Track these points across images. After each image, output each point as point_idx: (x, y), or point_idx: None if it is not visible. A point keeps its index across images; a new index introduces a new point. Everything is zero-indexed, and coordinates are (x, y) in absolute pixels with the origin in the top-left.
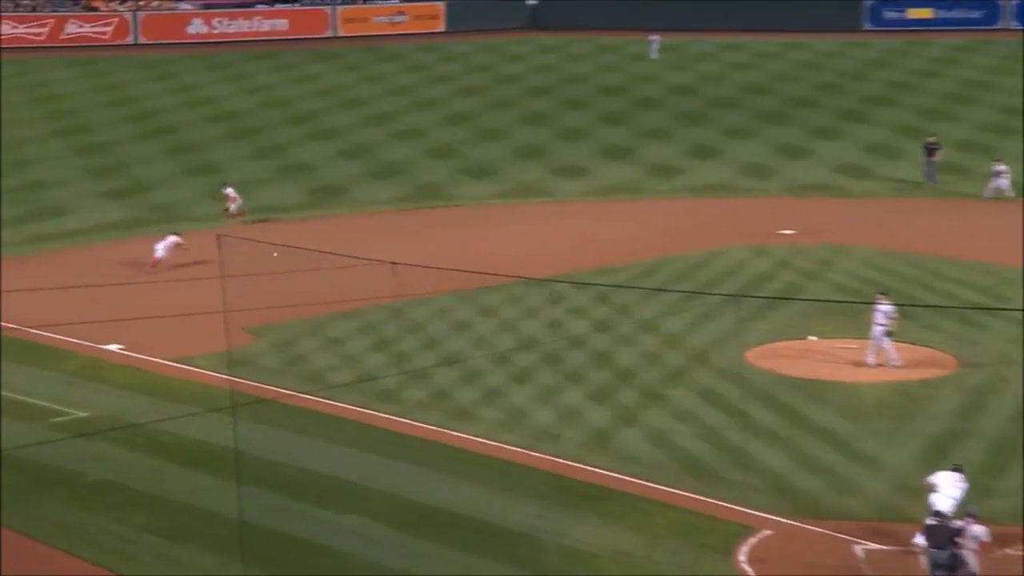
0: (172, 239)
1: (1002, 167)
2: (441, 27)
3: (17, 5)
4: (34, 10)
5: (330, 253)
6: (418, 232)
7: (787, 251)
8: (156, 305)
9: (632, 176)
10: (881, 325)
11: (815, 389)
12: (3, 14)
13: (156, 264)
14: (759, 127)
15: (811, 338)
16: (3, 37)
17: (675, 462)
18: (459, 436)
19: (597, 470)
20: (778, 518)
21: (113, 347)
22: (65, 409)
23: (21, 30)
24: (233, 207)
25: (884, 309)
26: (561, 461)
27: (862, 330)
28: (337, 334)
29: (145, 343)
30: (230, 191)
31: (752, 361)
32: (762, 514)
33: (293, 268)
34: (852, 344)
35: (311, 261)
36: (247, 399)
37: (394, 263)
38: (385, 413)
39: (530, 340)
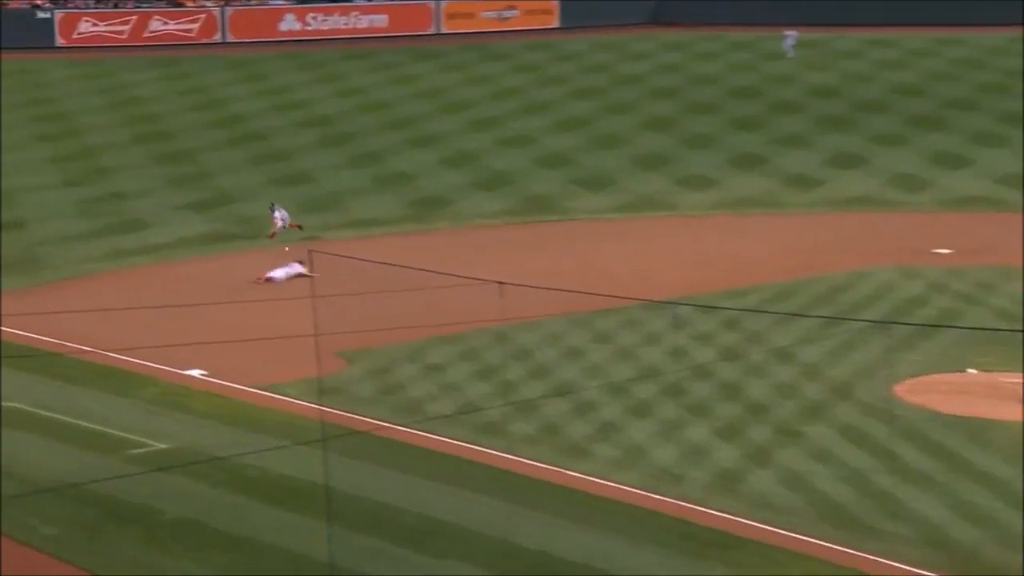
0: (296, 268)
1: None
2: (555, 23)
3: (97, 1)
4: (115, 6)
5: (431, 271)
6: (527, 249)
7: (942, 272)
8: (241, 327)
9: (766, 188)
10: None
11: (975, 428)
12: (83, 11)
13: (264, 282)
14: (911, 133)
15: (970, 371)
16: (82, 36)
17: (813, 508)
18: (571, 475)
19: (725, 515)
20: (932, 574)
21: (195, 373)
22: (144, 440)
23: (101, 28)
24: (278, 227)
25: None
26: (685, 504)
27: None
28: (438, 360)
29: (230, 369)
30: (279, 214)
31: (902, 396)
32: (914, 569)
33: (390, 288)
34: (1017, 378)
35: (410, 280)
36: (339, 431)
37: (501, 283)
38: (489, 448)
39: (650, 369)
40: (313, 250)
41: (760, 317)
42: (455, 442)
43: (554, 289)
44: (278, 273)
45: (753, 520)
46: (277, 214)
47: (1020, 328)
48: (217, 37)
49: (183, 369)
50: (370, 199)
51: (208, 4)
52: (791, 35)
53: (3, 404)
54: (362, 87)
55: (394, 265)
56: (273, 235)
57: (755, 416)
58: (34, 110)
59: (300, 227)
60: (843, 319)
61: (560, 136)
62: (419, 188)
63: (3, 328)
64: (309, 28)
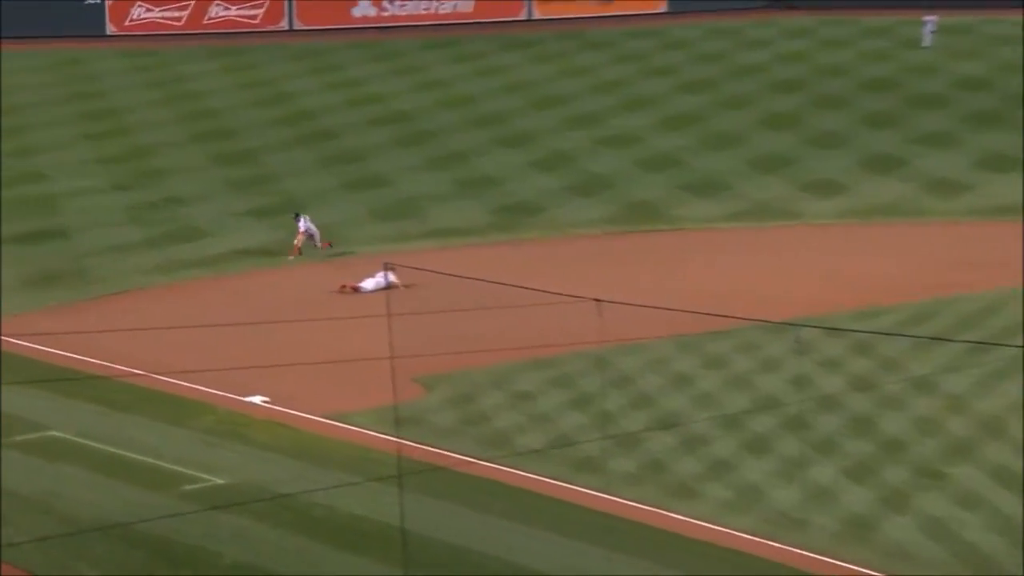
0: (388, 278)
1: None
2: (662, 7)
3: None
4: None
5: (520, 287)
6: (629, 262)
7: None
8: (308, 349)
9: (903, 193)
10: None
11: None
12: None
13: (350, 291)
14: None
15: None
16: (135, 23)
17: (959, 559)
18: (677, 518)
19: (855, 567)
20: None
21: (256, 399)
22: (199, 475)
23: (156, 14)
24: (299, 240)
25: None
26: (809, 554)
27: None
28: (527, 387)
29: (294, 395)
30: (304, 224)
31: None
32: None
33: (474, 305)
34: None
35: (496, 297)
36: (417, 466)
37: (599, 300)
38: (585, 487)
39: (769, 400)
40: (390, 263)
41: (896, 341)
42: (546, 479)
43: (659, 308)
44: (367, 284)
45: (888, 573)
46: (304, 225)
47: None
48: (283, 24)
49: (243, 395)
50: (452, 205)
51: None
52: (931, 20)
53: (45, 433)
54: (444, 79)
55: (479, 280)
56: (296, 251)
57: (890, 455)
58: (81, 105)
59: (331, 244)
60: (993, 344)
61: (667, 135)
62: (507, 193)
63: (45, 348)
64: (385, 14)
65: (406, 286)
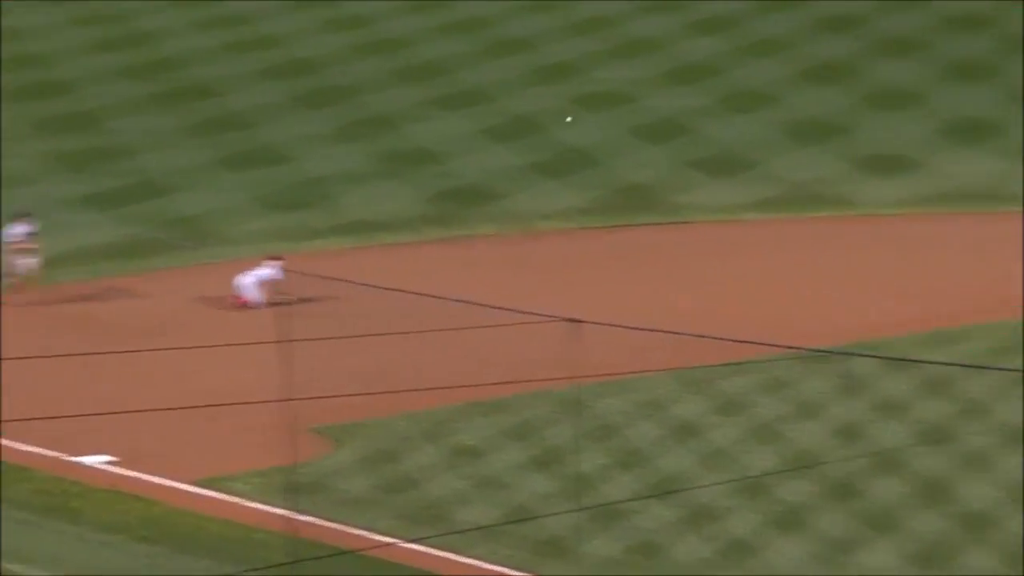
0: (267, 270)
1: None
2: None
3: None
4: None
5: (464, 302)
6: (616, 267)
7: None
8: (168, 388)
9: (997, 172)
10: None
11: None
12: None
13: (244, 306)
14: None
15: None
16: None
17: None
18: None
19: None
20: None
21: (94, 461)
22: (9, 567)
23: None
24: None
25: None
26: None
27: None
28: (472, 440)
29: (149, 453)
30: (17, 230)
31: None
32: None
33: (400, 327)
34: None
35: (432, 315)
36: (318, 550)
37: (573, 320)
38: None
39: (805, 456)
40: (276, 255)
41: (983, 376)
42: (497, 569)
43: (654, 330)
44: (248, 287)
45: None
46: (15, 230)
47: None
48: None
49: (74, 455)
50: (372, 190)
51: None
52: None
53: None
54: (361, 16)
55: (406, 292)
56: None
57: (973, 532)
58: None
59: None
60: None
61: (670, 91)
62: (448, 174)
63: None
64: None
65: (307, 300)
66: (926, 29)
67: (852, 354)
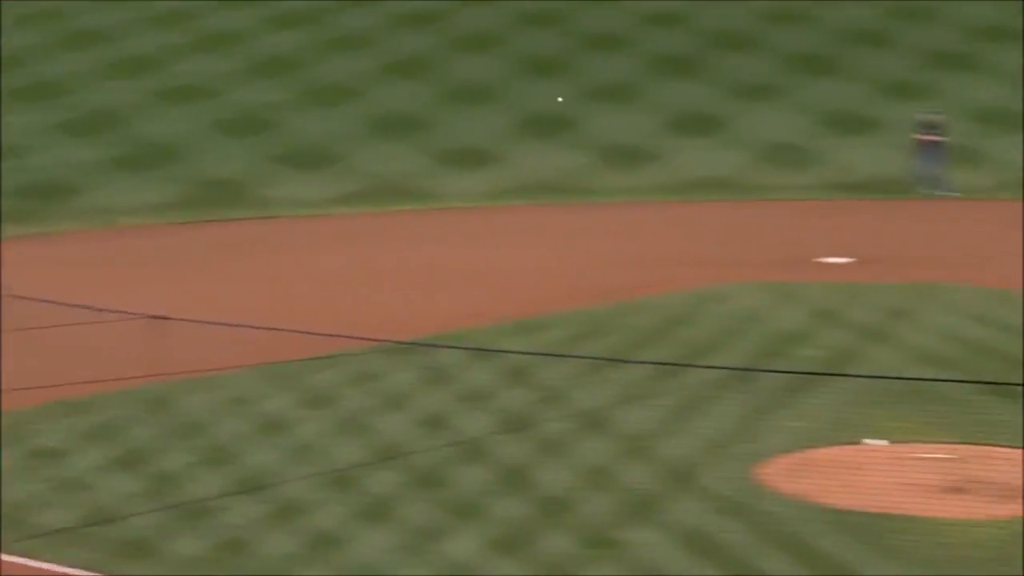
0: None
1: None
2: None
3: None
4: None
5: (29, 300)
6: (200, 263)
7: (835, 293)
8: None
9: (573, 165)
10: None
11: (878, 528)
12: None
13: None
14: (791, 81)
15: (871, 442)
16: None
17: None
18: None
19: None
20: None
21: None
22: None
23: None
24: None
25: None
26: None
27: (964, 427)
28: (50, 441)
29: None
30: None
31: (771, 482)
32: None
33: None
34: (943, 451)
35: (9, 316)
36: None
37: (157, 317)
38: None
39: (391, 449)
40: None
41: (560, 364)
42: (79, 572)
43: (241, 325)
44: None
45: None
46: None
47: (951, 378)
48: None
49: None
50: None
51: None
52: None
53: None
54: None
55: None
56: None
57: (550, 517)
58: None
59: None
60: (683, 365)
61: (253, 85)
62: (27, 168)
63: None
64: None
65: None
66: (503, 26)
67: (436, 346)
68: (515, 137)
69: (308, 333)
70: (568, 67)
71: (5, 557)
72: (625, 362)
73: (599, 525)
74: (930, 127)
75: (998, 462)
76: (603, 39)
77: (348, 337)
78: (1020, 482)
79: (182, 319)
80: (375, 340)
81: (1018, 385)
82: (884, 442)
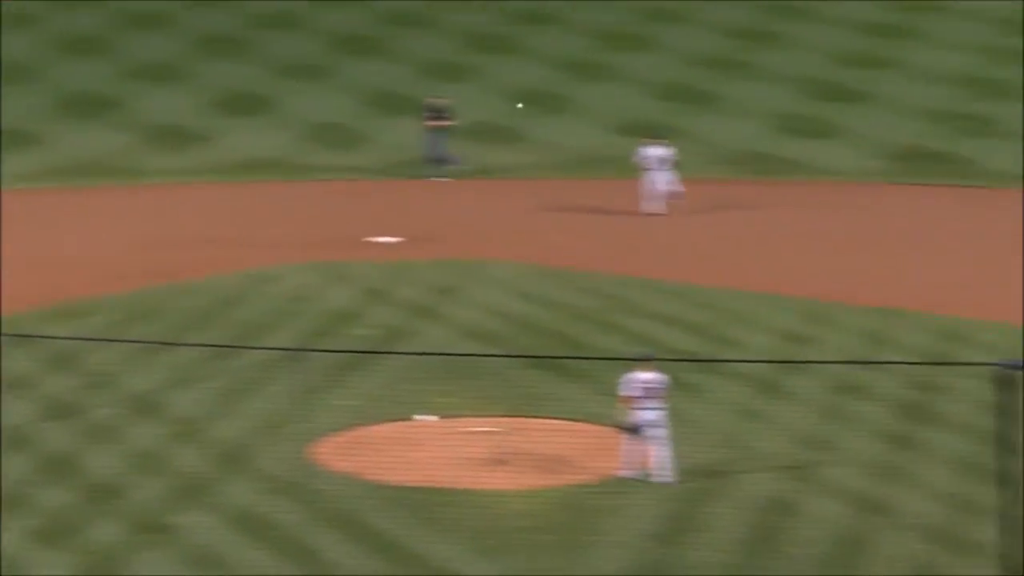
0: None
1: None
2: None
3: None
4: None
5: None
6: None
7: (385, 272)
8: None
9: (117, 146)
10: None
11: (429, 503)
12: None
13: None
14: (339, 61)
15: (422, 418)
16: None
17: None
18: None
19: None
20: None
21: None
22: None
23: None
24: None
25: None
26: None
27: (509, 400)
28: None
29: None
30: None
31: (325, 460)
32: None
33: None
34: (490, 424)
35: None
36: None
37: None
38: None
39: None
40: None
41: (107, 348)
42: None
43: None
44: None
45: None
46: None
47: (497, 353)
48: None
49: None
50: None
51: None
52: None
53: None
54: None
55: None
56: None
57: (99, 505)
58: None
59: None
60: (234, 347)
61: None
62: None
63: None
64: None
65: None
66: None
67: None
68: (53, 118)
69: None
70: (109, 47)
71: None
72: (174, 345)
73: (151, 511)
74: (436, 111)
75: (539, 433)
76: (145, 18)
77: None
78: (557, 452)
79: None
80: None
81: (559, 358)
82: (434, 418)
